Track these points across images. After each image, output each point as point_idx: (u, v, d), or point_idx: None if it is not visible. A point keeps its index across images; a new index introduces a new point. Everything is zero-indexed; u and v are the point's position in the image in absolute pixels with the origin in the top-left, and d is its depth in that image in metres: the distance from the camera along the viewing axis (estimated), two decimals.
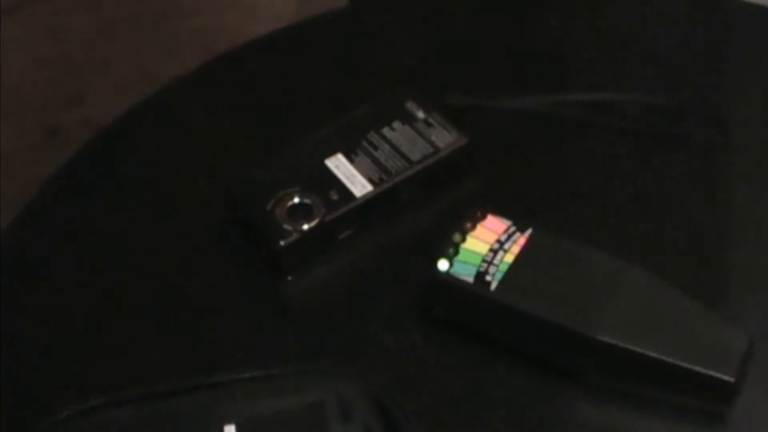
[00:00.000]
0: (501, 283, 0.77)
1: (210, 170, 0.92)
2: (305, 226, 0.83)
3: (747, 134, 0.92)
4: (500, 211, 0.81)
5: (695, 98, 0.95)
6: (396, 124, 0.89)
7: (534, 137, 0.92)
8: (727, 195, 0.88)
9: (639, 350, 0.73)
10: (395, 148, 0.88)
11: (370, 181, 0.86)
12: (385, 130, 0.89)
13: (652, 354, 0.73)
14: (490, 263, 0.78)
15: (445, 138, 0.88)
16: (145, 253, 0.87)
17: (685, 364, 0.72)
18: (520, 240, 0.79)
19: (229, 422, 0.72)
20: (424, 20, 1.06)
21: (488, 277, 0.77)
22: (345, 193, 0.85)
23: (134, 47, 2.20)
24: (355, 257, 0.85)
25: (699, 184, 0.89)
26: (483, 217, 0.81)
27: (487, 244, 0.79)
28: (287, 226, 0.83)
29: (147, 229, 0.88)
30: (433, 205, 0.87)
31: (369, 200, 0.85)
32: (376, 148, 0.88)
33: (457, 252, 0.79)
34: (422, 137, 0.88)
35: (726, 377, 0.72)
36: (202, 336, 0.81)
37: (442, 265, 0.78)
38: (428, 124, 0.89)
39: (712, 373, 0.72)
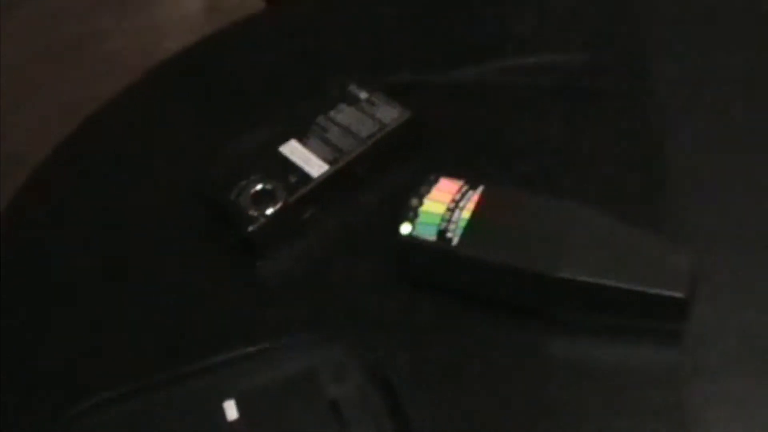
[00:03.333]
0: (462, 237, 0.82)
1: (173, 169, 0.96)
2: (270, 210, 0.88)
3: (667, 81, 0.99)
4: (451, 174, 0.86)
5: (617, 54, 1.01)
6: (342, 107, 0.94)
7: (473, 105, 0.98)
8: (653, 136, 0.95)
9: (597, 281, 0.79)
10: (344, 128, 0.93)
11: (326, 161, 0.91)
12: (333, 113, 0.94)
13: (609, 283, 0.79)
14: (449, 221, 0.83)
15: (390, 114, 0.94)
16: (121, 250, 0.91)
17: (639, 288, 0.78)
18: (474, 197, 0.84)
19: (228, 398, 0.76)
20: (347, 10, 1.11)
21: (449, 234, 0.82)
22: (303, 175, 0.90)
23: (53, 78, 2.21)
24: (322, 234, 0.89)
25: (626, 131, 0.95)
26: (436, 181, 0.86)
27: (443, 204, 0.84)
28: (253, 212, 0.88)
29: (120, 229, 0.93)
30: (387, 176, 0.92)
31: (327, 179, 0.90)
32: (326, 130, 0.93)
33: (417, 215, 0.84)
34: (368, 116, 0.94)
35: (678, 294, 0.78)
36: (186, 324, 0.85)
37: (405, 228, 0.83)
38: (372, 104, 0.95)
39: (664, 292, 0.78)
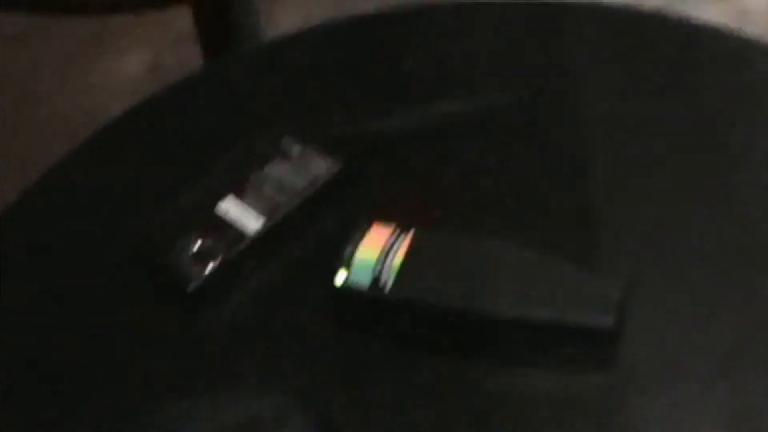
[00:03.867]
0: (395, 282, 0.85)
1: (115, 231, 0.98)
2: (210, 267, 0.90)
3: (590, 115, 1.03)
4: (384, 219, 0.89)
5: (540, 92, 1.05)
6: (275, 162, 0.97)
7: (402, 151, 1.01)
8: (578, 170, 0.98)
9: (528, 315, 0.82)
10: (278, 182, 0.96)
11: (262, 216, 0.93)
12: (267, 169, 0.97)
13: (539, 316, 0.82)
14: (382, 267, 0.86)
15: (322, 166, 0.97)
16: (67, 312, 0.93)
17: (569, 319, 0.82)
18: (406, 241, 0.87)
19: None
20: (277, 67, 1.15)
21: (383, 280, 0.85)
22: (240, 231, 0.93)
23: None
24: (262, 287, 0.92)
25: (552, 165, 0.99)
26: (369, 227, 0.89)
27: (376, 250, 0.87)
28: (194, 270, 0.90)
29: (65, 291, 0.95)
30: (322, 225, 0.95)
31: (264, 233, 0.93)
32: (261, 185, 0.96)
33: (351, 263, 0.87)
34: (301, 169, 0.97)
35: (606, 323, 0.81)
36: (134, 379, 0.87)
37: (340, 277, 0.86)
38: (304, 157, 0.97)
39: (593, 322, 0.82)
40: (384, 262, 0.86)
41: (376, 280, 0.85)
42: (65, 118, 2.19)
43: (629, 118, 1.01)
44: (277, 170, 0.97)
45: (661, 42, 1.08)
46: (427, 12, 1.15)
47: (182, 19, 1.92)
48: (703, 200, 0.93)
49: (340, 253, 0.87)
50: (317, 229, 0.95)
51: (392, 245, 0.87)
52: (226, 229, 0.93)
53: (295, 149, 0.98)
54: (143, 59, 2.44)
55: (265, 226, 0.93)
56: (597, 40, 1.09)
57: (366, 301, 0.86)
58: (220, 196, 0.95)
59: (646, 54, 1.07)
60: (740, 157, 0.97)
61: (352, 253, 0.87)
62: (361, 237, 0.88)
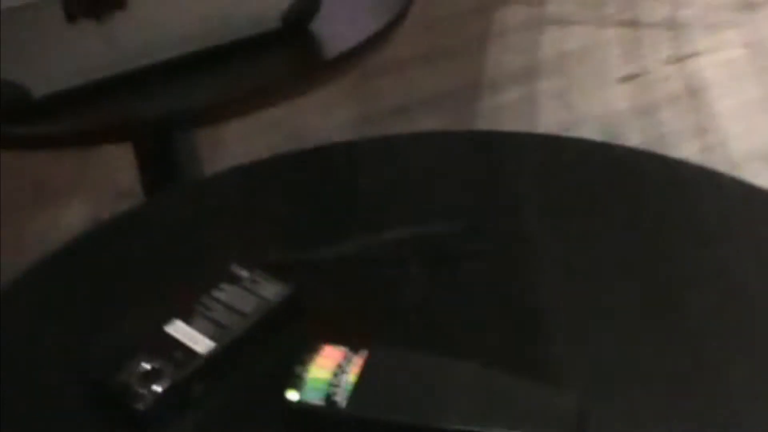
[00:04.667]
0: (350, 400, 0.84)
1: (61, 355, 0.97)
2: (159, 388, 0.89)
3: (530, 239, 1.05)
4: (334, 341, 0.89)
5: (484, 221, 1.07)
6: (224, 286, 0.97)
7: (350, 277, 1.02)
8: (523, 291, 1.00)
9: (483, 430, 0.81)
10: (228, 306, 0.95)
11: (211, 338, 0.93)
12: (216, 293, 0.97)
13: (495, 431, 0.81)
14: (336, 386, 0.85)
15: (272, 290, 0.97)
16: None
17: None
18: (358, 361, 0.87)
19: None
20: (224, 195, 1.16)
21: (337, 398, 0.84)
22: (190, 352, 0.92)
23: None
24: (211, 409, 0.90)
25: (499, 286, 1.00)
26: (321, 348, 0.88)
27: (329, 370, 0.86)
28: (142, 391, 0.89)
29: (15, 417, 0.92)
30: (273, 347, 0.94)
31: (213, 356, 0.92)
32: (210, 309, 0.95)
33: (304, 382, 0.86)
34: (251, 293, 0.96)
35: None
36: None
37: (293, 395, 0.85)
38: (254, 281, 0.97)
39: None
40: (338, 381, 0.85)
41: (329, 396, 0.84)
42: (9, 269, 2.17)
43: (576, 240, 1.04)
44: (226, 294, 0.97)
45: (604, 168, 1.12)
46: (370, 145, 1.18)
47: (123, 175, 1.94)
48: (651, 315, 0.95)
49: (292, 372, 0.87)
50: (267, 350, 0.94)
51: (345, 365, 0.87)
52: (176, 350, 0.92)
53: (244, 274, 0.98)
54: (84, 214, 2.45)
55: (215, 348, 0.92)
56: (538, 166, 1.12)
57: (321, 418, 0.84)
58: (170, 319, 0.94)
59: (588, 179, 1.10)
60: (686, 274, 0.99)
61: (306, 371, 0.87)
62: (314, 357, 0.88)
